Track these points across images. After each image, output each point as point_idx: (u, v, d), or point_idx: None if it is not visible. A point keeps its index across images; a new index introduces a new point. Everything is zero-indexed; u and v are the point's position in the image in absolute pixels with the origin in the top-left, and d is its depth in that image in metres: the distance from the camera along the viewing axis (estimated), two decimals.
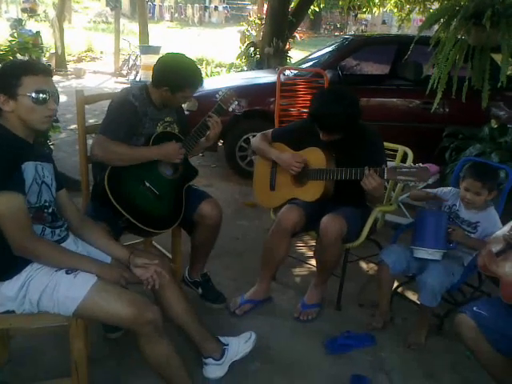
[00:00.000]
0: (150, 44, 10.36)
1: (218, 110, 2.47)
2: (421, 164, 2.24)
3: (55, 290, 1.69)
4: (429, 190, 2.64)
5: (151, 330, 1.73)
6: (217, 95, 2.52)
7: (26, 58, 3.97)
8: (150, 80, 2.39)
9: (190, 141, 2.41)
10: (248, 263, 3.12)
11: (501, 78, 3.15)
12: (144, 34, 10.56)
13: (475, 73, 3.60)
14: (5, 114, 1.69)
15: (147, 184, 2.29)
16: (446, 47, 3.49)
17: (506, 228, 2.07)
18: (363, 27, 23.95)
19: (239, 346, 2.18)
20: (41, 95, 1.68)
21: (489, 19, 3.20)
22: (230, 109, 2.53)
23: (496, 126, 4.10)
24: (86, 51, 13.25)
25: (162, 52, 9.83)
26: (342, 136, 2.49)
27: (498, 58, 3.68)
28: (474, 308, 1.90)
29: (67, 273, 1.72)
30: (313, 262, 3.07)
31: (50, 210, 1.81)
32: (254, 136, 4.52)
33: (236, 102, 2.52)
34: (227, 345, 2.16)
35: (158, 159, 2.30)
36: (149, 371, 2.07)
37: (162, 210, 2.32)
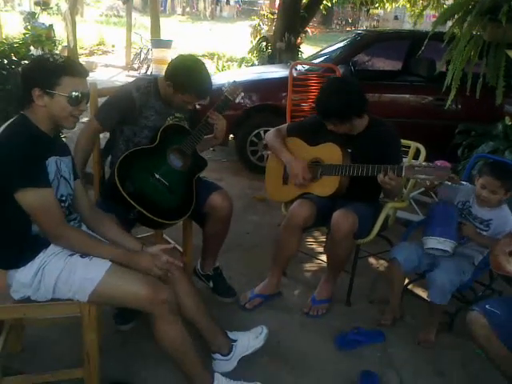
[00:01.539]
0: (162, 38, 10.36)
1: (226, 101, 2.46)
2: (438, 162, 2.23)
3: (71, 273, 1.73)
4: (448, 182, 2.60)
5: (166, 310, 1.77)
6: (223, 88, 2.53)
7: (40, 51, 4.00)
8: (163, 74, 2.40)
9: (197, 134, 2.41)
10: (258, 258, 3.12)
11: None
12: (155, 28, 10.56)
13: (490, 69, 3.56)
14: (35, 106, 1.72)
15: (157, 176, 2.30)
16: (461, 43, 3.45)
17: None
18: (375, 23, 23.78)
19: (249, 341, 2.19)
20: (76, 97, 1.72)
21: (505, 14, 3.15)
22: (237, 100, 2.53)
23: (510, 124, 4.05)
24: (97, 45, 13.29)
25: (174, 46, 9.85)
26: (348, 127, 2.50)
27: None
28: (487, 306, 1.89)
29: (82, 257, 1.76)
30: (323, 257, 3.08)
31: (67, 204, 1.85)
32: (265, 131, 4.57)
33: (242, 94, 2.53)
34: (236, 341, 2.16)
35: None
36: (159, 363, 2.11)
37: (172, 201, 2.32)
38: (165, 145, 2.36)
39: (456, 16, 3.66)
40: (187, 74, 2.29)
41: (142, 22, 16.24)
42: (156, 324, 1.80)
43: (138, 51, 10.94)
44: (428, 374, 2.28)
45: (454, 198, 2.54)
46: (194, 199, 2.36)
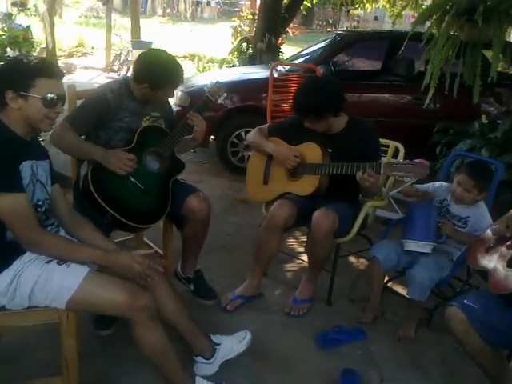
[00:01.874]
0: (142, 39, 10.29)
1: (207, 102, 2.45)
2: (416, 160, 2.25)
3: (48, 280, 1.69)
4: (419, 185, 2.65)
5: (146, 317, 1.75)
6: (205, 88, 2.51)
7: (17, 53, 3.94)
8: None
9: (175, 136, 2.39)
10: (240, 259, 3.12)
11: (491, 74, 3.17)
12: (136, 29, 10.47)
13: (467, 69, 3.62)
14: (9, 109, 1.69)
15: (132, 179, 2.27)
16: (439, 43, 3.51)
17: (497, 223, 2.08)
18: (355, 23, 23.94)
19: (233, 345, 2.18)
20: (51, 99, 1.69)
21: (481, 15, 3.21)
22: (219, 101, 2.52)
23: (486, 122, 4.12)
24: (76, 46, 13.13)
25: (155, 47, 9.80)
26: (325, 126, 2.51)
27: (488, 54, 3.70)
28: (465, 301, 1.91)
29: (59, 264, 1.73)
30: (304, 257, 3.08)
31: (43, 209, 1.82)
32: (246, 132, 4.57)
33: (225, 95, 2.52)
34: (219, 344, 2.15)
35: (101, 162, 2.23)
36: (140, 368, 2.09)
37: (147, 205, 2.30)
38: (141, 147, 2.32)
39: (434, 16, 3.71)
40: (156, 69, 2.25)
41: (122, 23, 16.09)
42: (135, 330, 1.78)
43: (118, 53, 10.84)
44: (408, 370, 2.30)
45: (432, 199, 2.58)
46: (170, 202, 2.34)
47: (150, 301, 1.78)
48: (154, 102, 2.40)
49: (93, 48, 13.41)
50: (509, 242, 1.95)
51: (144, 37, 10.79)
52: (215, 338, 2.18)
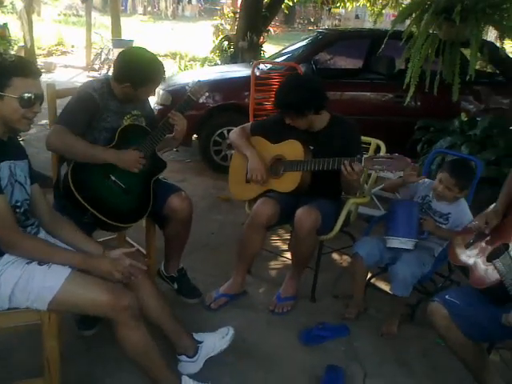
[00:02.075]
0: (123, 38, 10.20)
1: (188, 101, 2.44)
2: (397, 154, 2.27)
3: (29, 281, 1.67)
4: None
5: (129, 316, 1.74)
6: (187, 87, 2.50)
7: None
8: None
9: (157, 135, 2.37)
10: (223, 258, 3.11)
11: (469, 72, 3.22)
12: (116, 28, 10.37)
13: (446, 67, 3.66)
14: None
15: (113, 178, 2.26)
16: (418, 42, 3.54)
17: (476, 219, 2.12)
18: (337, 22, 24.06)
19: (215, 342, 2.17)
20: (29, 98, 1.67)
21: (458, 14, 3.26)
22: (201, 100, 2.51)
23: (466, 119, 4.18)
24: (56, 45, 12.95)
25: (135, 46, 9.72)
26: (306, 123, 2.53)
27: (467, 52, 3.76)
28: (446, 296, 1.94)
29: (40, 264, 1.71)
30: (287, 255, 3.09)
31: (22, 210, 1.79)
32: (228, 130, 4.56)
33: (206, 94, 2.51)
34: (201, 342, 2.15)
35: (113, 163, 2.23)
36: (124, 369, 2.07)
37: (128, 204, 2.29)
38: (122, 146, 2.30)
39: (413, 15, 3.75)
40: (137, 68, 2.23)
41: (103, 21, 15.95)
42: (118, 330, 1.77)
43: (99, 51, 10.72)
44: (391, 365, 2.33)
45: (414, 196, 2.61)
46: (151, 201, 2.33)
47: (132, 300, 1.77)
48: (135, 100, 2.38)
49: (73, 47, 13.25)
50: (488, 238, 1.99)
51: (125, 35, 10.71)
52: (197, 336, 2.17)
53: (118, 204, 2.26)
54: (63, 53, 12.69)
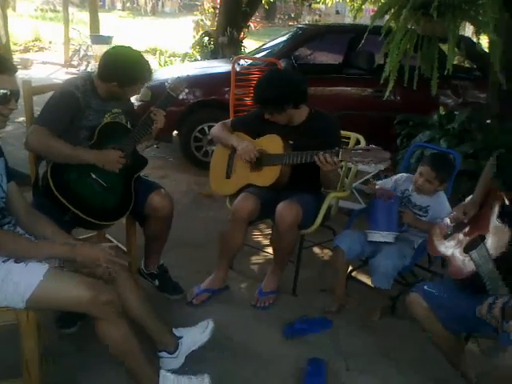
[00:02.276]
0: (102, 34, 10.08)
1: (168, 98, 2.43)
2: (373, 146, 2.29)
3: (6, 280, 1.64)
4: (379, 181, 2.71)
5: (109, 312, 1.73)
6: (166, 83, 2.49)
7: None
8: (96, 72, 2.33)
9: (138, 132, 2.36)
10: (205, 253, 3.10)
11: (447, 66, 3.25)
12: (94, 24, 10.26)
13: (424, 62, 3.69)
14: None
15: (94, 176, 2.23)
16: (397, 37, 3.56)
17: (454, 210, 2.15)
18: (317, 17, 24.10)
19: (195, 336, 2.17)
20: (4, 95, 1.64)
21: (435, 9, 3.28)
22: (180, 96, 2.50)
23: (444, 113, 4.23)
24: (33, 41, 12.72)
25: (114, 42, 9.61)
26: (285, 117, 2.54)
27: (445, 47, 3.79)
28: (425, 287, 1.97)
29: (16, 262, 1.68)
30: (269, 250, 3.10)
31: None
32: (209, 126, 4.55)
33: (186, 90, 2.50)
34: (181, 337, 2.14)
35: (94, 163, 2.21)
36: (106, 367, 2.05)
37: (110, 202, 2.26)
38: (103, 143, 2.28)
39: (392, 10, 3.77)
40: (124, 67, 2.22)
41: (81, 17, 15.74)
42: (99, 326, 1.75)
43: (77, 48, 10.57)
44: (373, 357, 2.35)
45: (394, 190, 2.63)
46: (133, 199, 2.31)
47: (113, 295, 1.76)
48: (120, 99, 2.35)
49: (50, 43, 13.03)
50: (466, 229, 2.02)
51: (103, 31, 10.59)
52: (177, 332, 2.16)
53: (100, 202, 2.23)
54: (40, 49, 12.48)
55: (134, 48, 2.37)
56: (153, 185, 2.48)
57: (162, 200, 2.41)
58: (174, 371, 2.00)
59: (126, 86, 2.26)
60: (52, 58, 11.28)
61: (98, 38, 9.35)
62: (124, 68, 2.22)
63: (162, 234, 2.54)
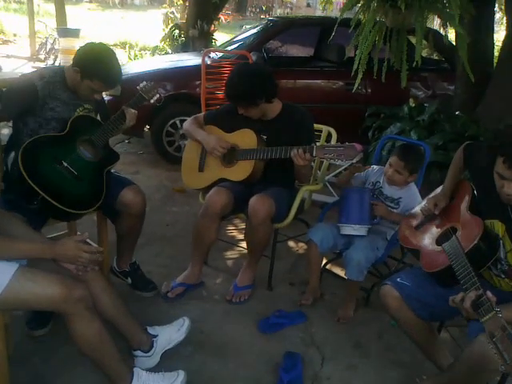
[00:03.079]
0: (69, 26, 9.83)
1: (140, 99, 2.41)
2: (347, 143, 2.30)
3: None
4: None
5: (82, 308, 1.70)
6: (138, 87, 2.44)
7: None
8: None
9: (110, 126, 2.33)
10: (179, 249, 3.08)
11: (416, 58, 3.28)
12: (61, 16, 9.98)
13: (393, 54, 3.72)
14: None
15: (65, 164, 2.20)
16: (366, 29, 3.57)
17: (424, 203, 2.17)
18: (288, 10, 24.10)
19: (171, 334, 2.15)
20: None
21: (403, 1, 3.29)
22: (152, 100, 2.46)
23: (414, 105, 4.28)
24: None
25: (82, 35, 9.40)
26: (259, 112, 2.53)
27: (414, 40, 3.83)
28: (398, 279, 1.99)
29: None
30: (244, 244, 3.09)
31: None
32: (181, 121, 4.49)
33: (158, 95, 2.47)
34: (156, 336, 2.12)
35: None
36: (76, 369, 2.01)
37: (79, 190, 2.23)
38: (75, 134, 2.26)
39: (361, 2, 3.78)
40: (96, 60, 2.19)
41: (47, 8, 15.34)
42: (72, 323, 1.72)
43: (44, 41, 10.32)
44: (348, 348, 2.37)
45: (365, 182, 2.65)
46: (104, 191, 2.27)
47: (85, 292, 1.73)
48: (79, 91, 2.30)
49: (15, 35, 12.68)
50: (438, 221, 2.04)
51: (71, 24, 10.32)
52: (152, 330, 2.14)
53: (70, 189, 2.20)
54: (4, 42, 12.14)
55: (113, 50, 2.33)
56: (125, 181, 2.45)
57: (135, 196, 2.38)
58: (148, 370, 1.97)
59: (84, 77, 2.20)
60: (17, 52, 10.98)
61: (65, 31, 9.10)
62: (93, 59, 2.19)
63: (134, 230, 2.51)
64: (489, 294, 1.50)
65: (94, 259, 1.81)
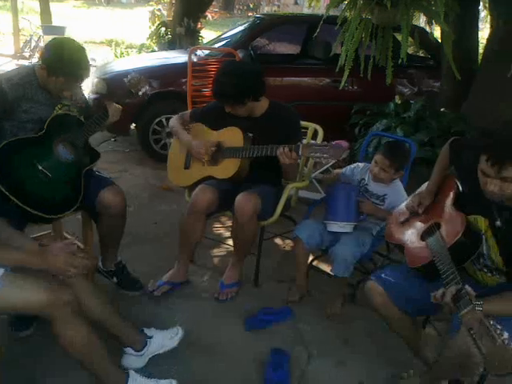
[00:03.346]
0: (54, 24, 9.73)
1: (127, 94, 2.38)
2: (333, 141, 2.31)
3: None
4: (336, 170, 2.74)
5: (68, 313, 1.68)
6: (125, 79, 2.42)
7: None
8: None
9: (91, 125, 2.30)
10: (166, 248, 3.06)
11: (401, 55, 3.30)
12: (46, 13, 9.87)
13: (379, 51, 3.74)
14: None
15: (39, 167, 2.16)
16: (352, 26, 3.58)
17: (410, 199, 2.18)
18: (276, 8, 24.05)
19: (164, 340, 2.15)
20: None
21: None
22: (140, 93, 2.43)
23: (400, 102, 4.31)
24: None
25: (68, 33, 9.31)
26: (246, 110, 2.53)
27: (400, 37, 3.84)
28: (382, 275, 2.00)
29: None
30: (230, 242, 3.07)
31: None
32: (167, 118, 4.47)
33: (146, 87, 2.44)
34: (151, 337, 2.11)
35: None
36: (66, 369, 1.99)
37: (55, 194, 2.20)
38: (52, 135, 2.22)
39: (347, 0, 3.78)
40: (59, 56, 2.14)
41: (31, 6, 15.15)
42: (58, 328, 1.70)
43: (28, 38, 10.19)
44: (335, 345, 2.38)
45: (351, 180, 2.66)
46: (82, 193, 2.24)
47: (71, 296, 1.71)
48: (51, 89, 2.25)
49: None
50: (423, 217, 2.05)
51: (56, 21, 10.21)
52: (148, 331, 2.14)
53: (44, 194, 2.16)
54: None
55: (80, 44, 2.27)
56: (105, 181, 2.41)
57: (114, 197, 2.34)
58: (139, 371, 1.95)
59: (51, 74, 2.16)
60: (1, 49, 10.83)
61: (50, 29, 9.01)
62: (58, 55, 2.15)
63: (116, 231, 2.48)
64: (467, 288, 1.52)
65: (81, 271, 1.80)
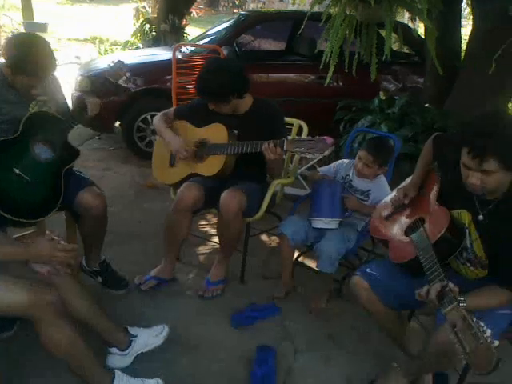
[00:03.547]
0: (36, 21, 9.62)
1: (106, 84, 2.32)
2: (318, 136, 2.30)
3: None
4: (322, 168, 2.74)
5: (53, 313, 1.67)
6: (105, 72, 2.38)
7: None
8: None
9: (68, 122, 2.26)
10: (151, 246, 3.05)
11: (385, 51, 3.32)
12: (28, 10, 9.78)
13: (364, 47, 3.76)
14: None
15: (16, 171, 2.09)
16: (336, 22, 3.59)
17: (394, 193, 2.20)
18: (261, 5, 24.03)
19: (149, 338, 2.13)
20: None
21: None
22: (120, 81, 2.38)
23: (384, 98, 4.33)
24: None
25: (51, 30, 9.21)
26: (230, 107, 2.52)
27: (384, 33, 3.86)
28: (367, 270, 2.01)
29: None
30: (216, 239, 3.07)
31: None
32: (152, 116, 4.44)
33: (128, 74, 2.38)
34: (136, 336, 2.10)
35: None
36: (45, 371, 1.97)
37: (35, 197, 2.14)
38: (28, 135, 2.14)
39: None
40: (20, 52, 2.04)
41: (13, 2, 14.95)
42: (42, 329, 1.68)
43: (10, 35, 10.05)
44: (321, 340, 2.39)
45: (336, 176, 2.67)
46: (62, 194, 2.20)
47: (54, 297, 1.69)
48: (18, 87, 2.16)
49: None
50: (407, 211, 2.07)
51: (38, 18, 10.10)
52: (132, 330, 2.12)
53: (22, 197, 2.11)
54: None
55: (41, 37, 2.18)
56: (84, 181, 2.35)
57: (94, 199, 2.29)
58: (124, 371, 1.94)
59: (16, 74, 2.07)
60: None
61: (32, 25, 8.93)
62: (21, 52, 2.04)
63: (98, 231, 2.44)
64: (451, 285, 1.53)
65: (69, 257, 1.78)
